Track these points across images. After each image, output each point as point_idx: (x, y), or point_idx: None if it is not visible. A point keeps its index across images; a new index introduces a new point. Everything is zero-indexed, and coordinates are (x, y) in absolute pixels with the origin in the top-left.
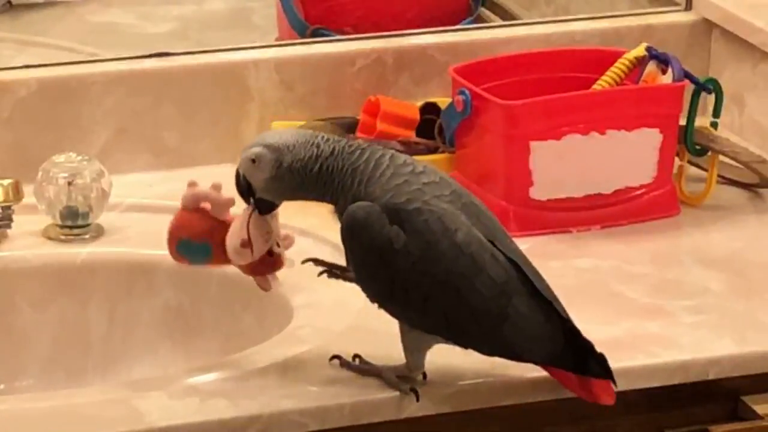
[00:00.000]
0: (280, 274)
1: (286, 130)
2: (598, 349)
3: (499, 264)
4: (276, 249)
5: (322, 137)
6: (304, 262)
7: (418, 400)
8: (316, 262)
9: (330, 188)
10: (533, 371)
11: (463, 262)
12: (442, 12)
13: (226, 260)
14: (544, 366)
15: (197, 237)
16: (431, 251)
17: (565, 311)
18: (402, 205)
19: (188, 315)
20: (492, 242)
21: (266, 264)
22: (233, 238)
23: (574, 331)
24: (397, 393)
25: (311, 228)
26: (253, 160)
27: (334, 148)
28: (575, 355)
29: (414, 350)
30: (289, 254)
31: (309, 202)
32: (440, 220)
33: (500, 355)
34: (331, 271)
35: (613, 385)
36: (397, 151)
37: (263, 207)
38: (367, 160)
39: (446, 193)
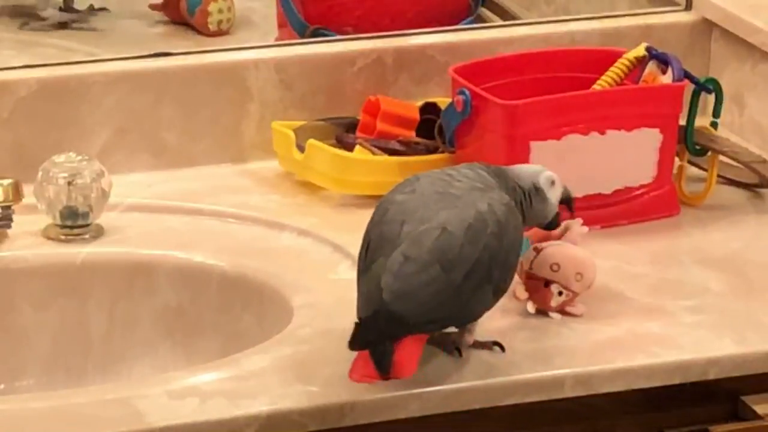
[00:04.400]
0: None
1: None
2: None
3: (396, 226)
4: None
5: None
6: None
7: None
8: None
9: None
10: (533, 371)
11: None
12: (442, 12)
13: None
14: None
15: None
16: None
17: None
18: None
19: (188, 315)
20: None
21: None
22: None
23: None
24: (397, 393)
25: (311, 228)
26: None
27: None
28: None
29: None
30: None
31: (308, 201)
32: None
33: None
34: None
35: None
36: (397, 151)
37: None
38: None
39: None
